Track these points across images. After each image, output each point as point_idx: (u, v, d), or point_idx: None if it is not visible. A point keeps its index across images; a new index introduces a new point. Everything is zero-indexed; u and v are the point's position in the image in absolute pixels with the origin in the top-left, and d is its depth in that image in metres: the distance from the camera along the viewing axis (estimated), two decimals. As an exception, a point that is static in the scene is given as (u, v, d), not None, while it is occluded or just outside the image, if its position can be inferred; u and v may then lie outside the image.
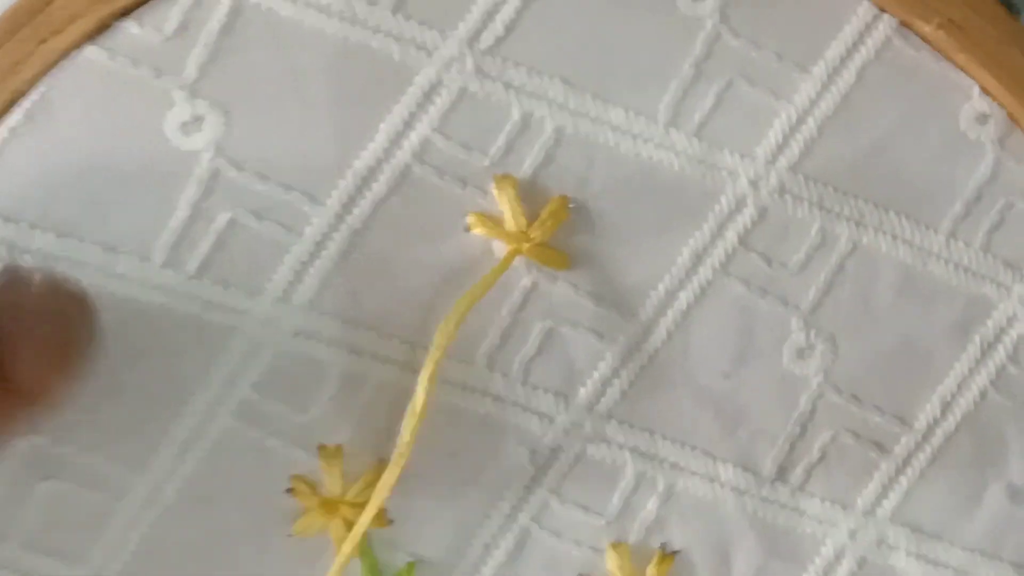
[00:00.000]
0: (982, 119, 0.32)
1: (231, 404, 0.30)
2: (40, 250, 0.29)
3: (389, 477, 0.29)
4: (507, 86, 0.30)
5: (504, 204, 0.30)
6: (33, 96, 0.29)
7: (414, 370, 0.30)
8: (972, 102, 0.32)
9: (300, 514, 0.30)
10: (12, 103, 0.29)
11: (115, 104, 0.30)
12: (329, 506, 0.30)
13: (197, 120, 0.30)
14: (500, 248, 0.31)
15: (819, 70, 0.31)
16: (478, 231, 0.30)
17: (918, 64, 0.31)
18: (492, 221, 0.30)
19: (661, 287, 0.31)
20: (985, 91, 0.32)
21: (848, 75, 0.31)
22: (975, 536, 0.32)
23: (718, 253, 0.31)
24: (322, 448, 0.31)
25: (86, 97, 0.30)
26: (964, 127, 0.32)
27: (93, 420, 0.30)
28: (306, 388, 0.30)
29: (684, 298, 0.31)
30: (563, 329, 0.31)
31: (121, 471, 0.30)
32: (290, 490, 0.30)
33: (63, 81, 0.30)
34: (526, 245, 0.30)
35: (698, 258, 0.31)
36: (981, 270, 0.32)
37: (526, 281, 0.31)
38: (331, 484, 0.31)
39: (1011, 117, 0.32)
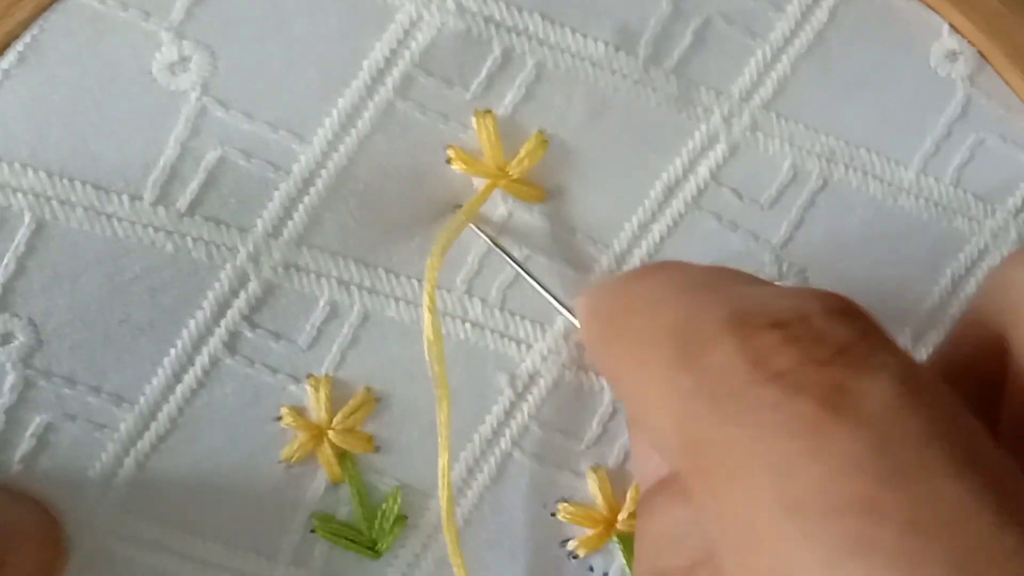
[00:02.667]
0: (952, 56, 0.32)
1: (221, 335, 0.31)
2: (31, 189, 0.30)
3: (443, 414, 0.31)
4: (488, 21, 0.31)
5: (483, 139, 0.31)
6: (25, 38, 0.30)
7: (398, 299, 0.32)
8: (942, 40, 0.32)
9: (289, 441, 0.32)
10: (5, 46, 0.30)
11: (104, 46, 0.30)
12: (317, 433, 0.32)
13: (184, 60, 0.30)
14: (480, 181, 0.31)
15: (793, 8, 0.32)
16: (457, 166, 0.31)
17: (889, 3, 0.32)
18: (471, 156, 0.31)
19: (635, 219, 0.32)
20: (955, 29, 0.32)
21: (821, 14, 0.32)
22: None
23: (690, 187, 0.32)
24: (310, 377, 0.32)
25: (77, 39, 0.30)
26: (934, 64, 0.32)
27: (83, 354, 0.31)
28: (295, 319, 0.31)
29: (657, 231, 0.32)
30: (539, 258, 0.32)
31: (114, 403, 0.31)
32: (279, 418, 0.32)
33: (54, 24, 0.30)
34: (503, 180, 0.31)
35: (671, 192, 0.32)
36: (952, 205, 0.33)
37: (502, 210, 0.32)
38: (318, 412, 0.32)
39: (981, 54, 0.32)
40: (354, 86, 0.31)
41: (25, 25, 0.30)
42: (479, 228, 0.31)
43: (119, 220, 0.31)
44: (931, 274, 0.33)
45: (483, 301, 0.32)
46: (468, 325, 0.32)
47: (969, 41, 0.32)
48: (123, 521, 0.31)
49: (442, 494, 0.31)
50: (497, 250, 0.31)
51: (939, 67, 0.32)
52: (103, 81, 0.30)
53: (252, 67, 0.31)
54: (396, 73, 0.31)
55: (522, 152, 0.31)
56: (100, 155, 0.30)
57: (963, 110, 0.32)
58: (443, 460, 0.31)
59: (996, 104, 0.32)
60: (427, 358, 0.30)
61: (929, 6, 0.32)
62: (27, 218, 0.30)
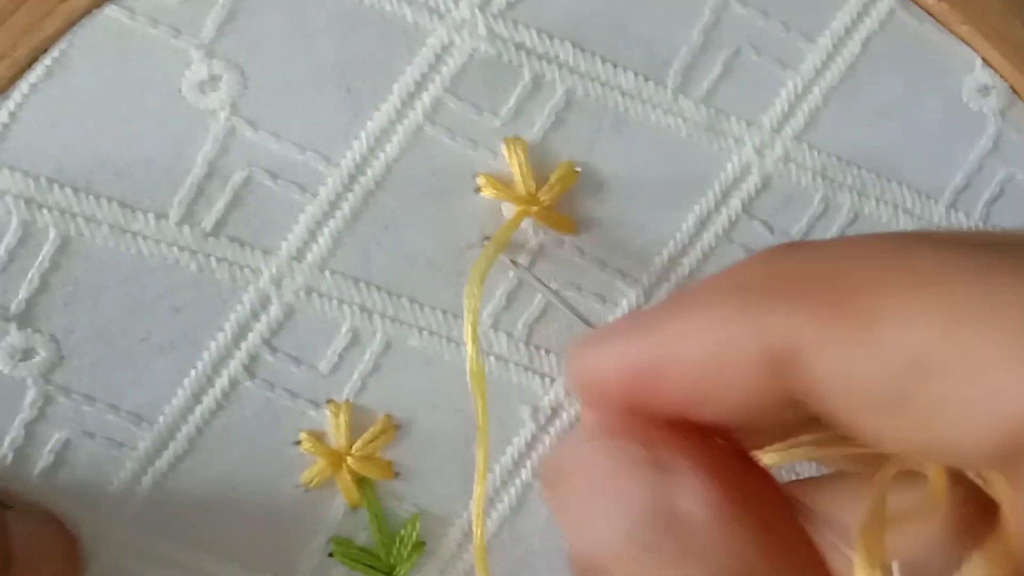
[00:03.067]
0: (984, 91, 0.32)
1: (241, 358, 0.31)
2: (57, 205, 0.30)
3: (481, 446, 0.30)
4: (518, 48, 0.31)
5: (514, 166, 0.31)
6: (53, 53, 0.30)
7: (421, 328, 0.31)
8: (974, 74, 0.32)
9: (307, 464, 0.31)
10: (33, 60, 0.30)
11: (133, 62, 0.30)
12: (335, 458, 0.31)
13: (214, 79, 0.30)
14: (508, 210, 0.31)
15: (825, 40, 0.32)
16: (487, 193, 0.31)
17: (921, 35, 0.32)
18: (501, 183, 0.31)
19: (665, 253, 0.32)
20: (987, 63, 0.32)
21: (853, 45, 0.32)
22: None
23: (722, 220, 0.32)
24: (330, 403, 0.31)
25: (105, 55, 0.30)
26: (966, 98, 0.32)
27: (103, 371, 0.31)
28: (316, 345, 0.31)
29: (687, 264, 0.32)
30: (567, 292, 0.32)
31: (132, 422, 0.31)
32: (298, 442, 0.31)
33: (83, 39, 0.30)
34: (534, 208, 0.31)
35: (702, 224, 0.32)
36: (980, 241, 0.32)
37: (533, 244, 0.31)
38: (337, 437, 0.31)
39: (1013, 89, 0.32)
40: (384, 109, 0.31)
41: (53, 40, 0.30)
42: (510, 257, 0.31)
43: (144, 238, 0.30)
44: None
45: (508, 335, 0.32)
46: (492, 358, 0.32)
47: (1002, 75, 0.32)
48: (139, 538, 0.31)
49: (476, 523, 0.31)
50: (530, 276, 0.31)
51: (971, 101, 0.32)
52: (131, 97, 0.30)
53: (282, 87, 0.30)
54: (426, 97, 0.31)
55: (553, 179, 0.31)
56: (126, 172, 0.30)
57: (994, 144, 0.32)
58: (478, 490, 0.30)
59: (1026, 138, 0.32)
60: (471, 390, 0.30)
61: (962, 39, 0.32)
62: (52, 234, 0.30)
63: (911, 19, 0.32)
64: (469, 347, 0.30)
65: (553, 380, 0.32)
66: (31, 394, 0.30)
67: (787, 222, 0.32)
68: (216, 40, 0.30)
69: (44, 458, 0.31)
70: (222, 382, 0.31)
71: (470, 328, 0.30)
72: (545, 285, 0.31)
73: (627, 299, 0.32)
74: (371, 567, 0.32)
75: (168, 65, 0.30)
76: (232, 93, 0.30)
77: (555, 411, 0.32)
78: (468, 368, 0.30)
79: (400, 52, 0.31)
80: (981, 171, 0.32)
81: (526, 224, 0.31)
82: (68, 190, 0.30)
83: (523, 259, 0.32)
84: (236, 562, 0.31)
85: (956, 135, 0.32)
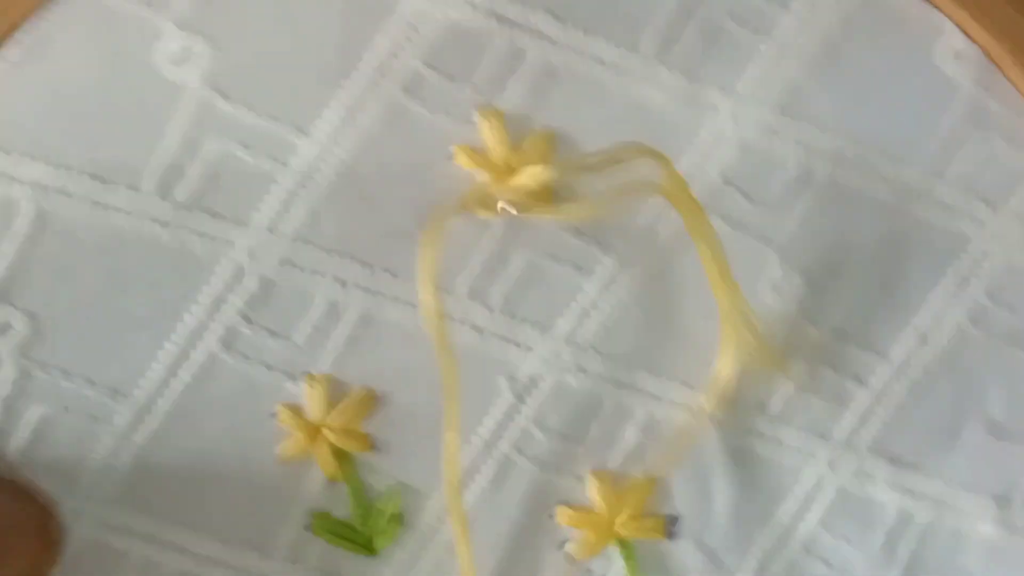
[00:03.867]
0: (959, 57, 0.32)
1: (217, 331, 0.31)
2: (32, 179, 0.30)
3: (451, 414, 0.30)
4: (493, 16, 0.31)
5: (489, 136, 0.31)
6: (29, 29, 0.30)
7: (398, 300, 0.31)
8: (949, 40, 0.32)
9: (285, 438, 0.31)
10: (8, 36, 0.30)
11: (107, 36, 0.30)
12: (312, 431, 0.31)
13: (186, 51, 0.30)
14: (485, 178, 0.31)
15: (799, 6, 0.32)
16: (462, 163, 0.31)
17: (896, 2, 0.32)
18: (477, 153, 0.31)
19: (640, 220, 0.32)
20: (961, 29, 0.32)
21: (828, 13, 0.32)
22: (955, 469, 0.33)
23: (698, 186, 0.32)
24: (307, 375, 0.31)
25: (80, 30, 0.30)
26: (940, 64, 0.32)
27: (80, 346, 0.31)
28: (292, 316, 0.31)
29: (663, 232, 0.32)
30: (543, 262, 0.32)
31: (109, 396, 0.31)
32: (275, 415, 0.31)
33: (58, 15, 0.30)
34: (509, 178, 0.31)
35: (678, 192, 0.32)
36: (957, 206, 0.32)
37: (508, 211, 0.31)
38: (314, 410, 0.31)
39: (987, 55, 0.32)
40: (356, 79, 0.31)
41: (29, 16, 0.30)
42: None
43: (118, 211, 0.30)
44: (934, 275, 0.32)
45: (485, 305, 0.32)
46: (469, 328, 0.32)
47: (975, 41, 0.32)
48: (117, 513, 0.31)
49: (449, 482, 0.31)
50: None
51: (945, 67, 0.32)
52: (105, 71, 0.30)
53: (254, 58, 0.30)
54: (400, 67, 0.31)
55: (528, 147, 0.31)
56: (101, 145, 0.30)
57: (968, 110, 0.32)
58: (449, 451, 0.30)
59: (1001, 105, 0.32)
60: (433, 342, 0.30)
61: (935, 6, 0.32)
62: (27, 208, 0.30)
63: (884, -15, 0.32)
64: (423, 296, 0.30)
65: (531, 350, 0.32)
66: (7, 369, 0.30)
67: (763, 190, 0.32)
68: (188, 13, 0.30)
69: (22, 433, 0.31)
70: (198, 355, 0.31)
71: (427, 279, 0.30)
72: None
73: (603, 266, 0.32)
74: (349, 540, 0.32)
75: (141, 38, 0.30)
76: (205, 65, 0.30)
77: (533, 381, 0.32)
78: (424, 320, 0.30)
79: (371, 20, 0.31)
80: (956, 137, 0.32)
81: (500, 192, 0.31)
82: (43, 164, 0.30)
83: (498, 229, 0.31)
84: (214, 536, 0.31)
85: (931, 101, 0.32)
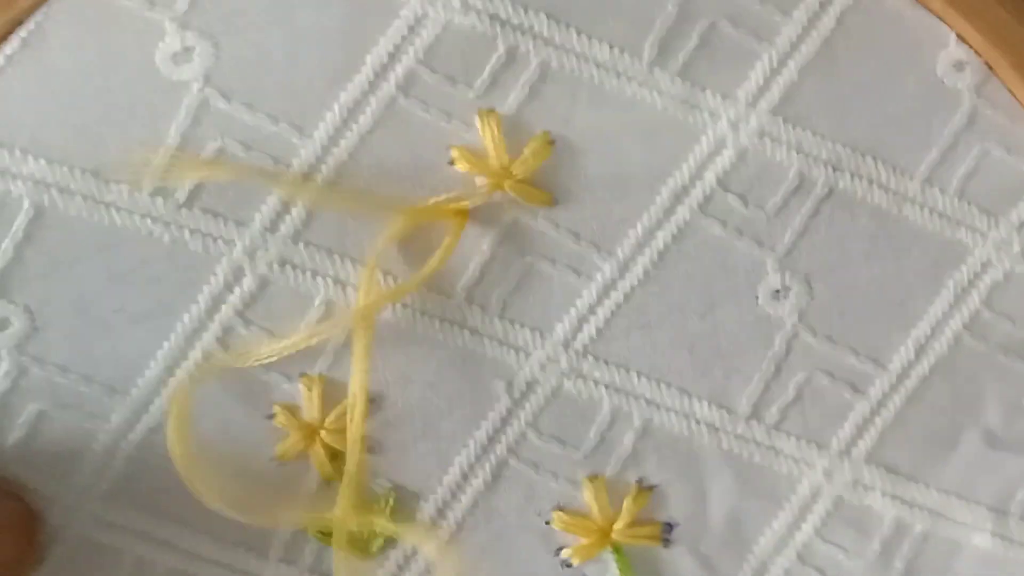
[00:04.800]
0: (959, 66, 0.32)
1: (215, 330, 0.31)
2: (31, 176, 0.30)
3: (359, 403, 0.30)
4: (492, 19, 0.31)
5: (487, 139, 0.31)
6: (29, 25, 0.30)
7: (396, 300, 0.31)
8: (949, 50, 0.32)
9: (281, 439, 0.31)
10: (9, 32, 0.30)
11: (108, 34, 0.30)
12: (309, 432, 0.31)
13: (187, 51, 0.30)
14: (483, 182, 0.31)
15: (800, 14, 0.32)
16: (461, 166, 0.31)
17: (896, 11, 0.32)
18: (475, 156, 0.31)
19: (640, 226, 0.32)
20: (962, 39, 0.32)
21: (828, 20, 0.32)
22: (951, 479, 0.33)
23: (696, 193, 0.32)
24: (304, 376, 0.31)
25: (81, 27, 0.30)
26: (941, 74, 0.32)
27: (77, 343, 0.31)
28: (289, 316, 0.31)
29: (662, 237, 0.32)
30: (542, 265, 0.32)
31: (105, 394, 0.31)
32: (271, 416, 0.31)
33: (59, 11, 0.30)
34: (508, 181, 0.31)
35: (677, 198, 0.32)
36: (956, 216, 0.32)
37: (507, 217, 0.31)
38: (311, 411, 0.31)
39: (987, 65, 0.32)
40: (357, 80, 0.31)
41: (29, 12, 0.30)
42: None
43: (118, 209, 0.30)
44: (933, 285, 0.32)
45: (482, 309, 0.32)
46: (467, 332, 0.32)
47: (976, 51, 0.32)
48: (111, 511, 0.31)
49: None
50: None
51: (946, 77, 0.32)
52: (105, 69, 0.30)
53: (255, 58, 0.31)
54: (399, 69, 0.31)
55: (527, 152, 0.31)
56: (101, 143, 0.30)
57: (969, 120, 0.32)
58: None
59: (1002, 115, 0.32)
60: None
61: (936, 16, 0.32)
62: (26, 204, 0.30)
63: (886, -6, 0.32)
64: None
65: (528, 354, 0.32)
66: (5, 365, 0.30)
67: (762, 196, 0.32)
68: (189, 12, 0.30)
69: (17, 429, 0.31)
70: (195, 354, 0.31)
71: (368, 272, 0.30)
72: None
73: (601, 272, 0.32)
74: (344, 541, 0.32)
75: (142, 37, 0.30)
76: (205, 64, 0.30)
77: (530, 386, 0.32)
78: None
79: (373, 22, 0.31)
80: (956, 147, 0.32)
81: (500, 197, 0.31)
82: (42, 161, 0.30)
83: (497, 232, 0.31)
84: (209, 535, 0.31)
85: (931, 110, 0.32)
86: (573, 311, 0.32)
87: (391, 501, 0.32)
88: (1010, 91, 0.32)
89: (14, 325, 0.30)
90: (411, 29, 0.31)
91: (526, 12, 0.31)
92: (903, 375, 0.32)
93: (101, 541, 0.31)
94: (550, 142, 0.31)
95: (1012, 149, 0.32)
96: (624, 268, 0.32)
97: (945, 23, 0.32)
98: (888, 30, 0.32)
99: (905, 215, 0.32)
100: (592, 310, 0.32)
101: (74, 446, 0.31)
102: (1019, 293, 0.33)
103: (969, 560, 0.33)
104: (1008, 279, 0.32)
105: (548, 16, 0.31)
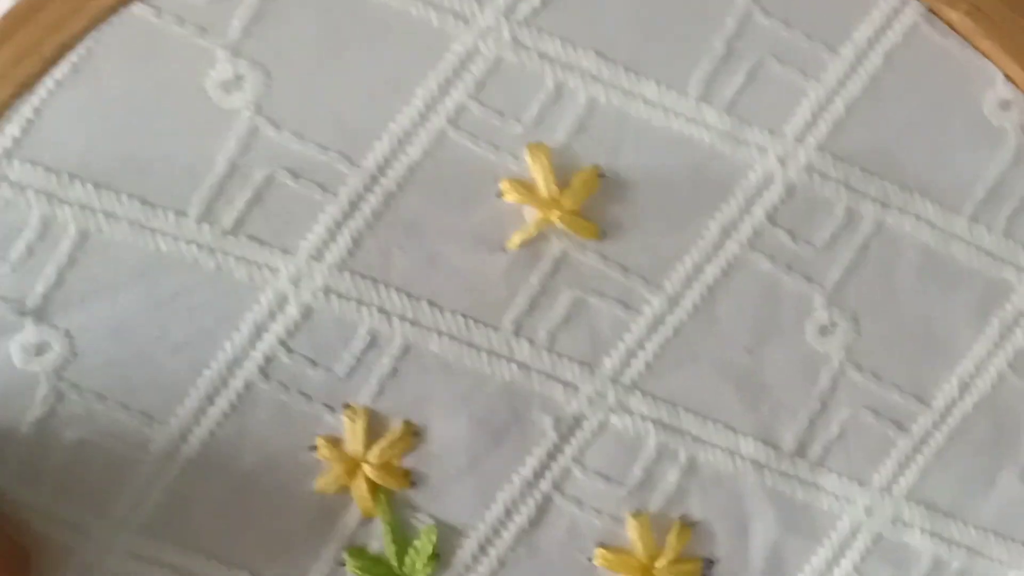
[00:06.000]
0: (1005, 105, 0.32)
1: (256, 359, 0.30)
2: (78, 200, 0.30)
3: None
4: (542, 56, 0.31)
5: (537, 171, 0.31)
6: (79, 50, 0.30)
7: (441, 333, 0.31)
8: (996, 89, 0.32)
9: (323, 472, 0.31)
10: (59, 56, 0.30)
11: (158, 61, 0.30)
12: (352, 466, 0.31)
13: (238, 79, 0.30)
14: (531, 215, 0.31)
15: (847, 51, 0.32)
16: (510, 197, 0.31)
17: (944, 50, 0.32)
18: (524, 187, 0.31)
19: (688, 260, 0.31)
20: (1009, 79, 0.32)
21: (875, 57, 0.32)
22: (989, 516, 0.33)
23: (745, 228, 0.32)
24: (347, 407, 0.31)
25: (131, 53, 0.30)
26: (988, 113, 0.32)
27: (116, 370, 0.30)
28: (333, 346, 0.31)
29: (710, 272, 0.32)
30: (590, 299, 0.31)
31: (144, 423, 0.30)
32: (313, 448, 0.31)
33: (109, 36, 0.30)
34: (557, 212, 0.31)
35: (725, 232, 0.32)
36: (1002, 254, 0.32)
37: (556, 250, 0.31)
38: (354, 443, 0.31)
39: (1033, 105, 0.32)
40: (406, 112, 0.31)
41: (80, 36, 0.30)
42: None
43: (162, 235, 0.30)
44: (978, 323, 0.32)
45: (531, 342, 0.31)
46: (514, 366, 0.31)
47: (1021, 89, 0.32)
48: (148, 545, 0.30)
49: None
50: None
51: (992, 116, 0.32)
52: (155, 95, 0.30)
53: (306, 88, 0.30)
54: (449, 102, 0.31)
55: (575, 182, 0.31)
56: (148, 169, 0.30)
57: (1015, 158, 0.32)
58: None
59: (1047, 154, 0.32)
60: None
61: (985, 55, 0.32)
62: (71, 229, 0.30)
63: (934, 33, 0.32)
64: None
65: (577, 389, 0.31)
66: (43, 390, 0.30)
67: (810, 232, 0.32)
68: (242, 40, 0.30)
69: (54, 458, 0.30)
70: (236, 383, 0.30)
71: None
72: None
73: (650, 306, 0.31)
74: (384, 578, 0.31)
75: (193, 64, 0.30)
76: (256, 93, 0.30)
77: (577, 421, 0.31)
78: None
79: (425, 56, 0.31)
80: (1003, 184, 0.32)
81: (549, 231, 0.31)
82: (89, 185, 0.30)
83: (546, 264, 0.31)
84: (246, 570, 0.31)
85: (978, 149, 0.32)
86: (621, 345, 0.31)
87: (432, 538, 0.31)
88: (1055, 132, 0.32)
89: (54, 350, 0.30)
90: (462, 63, 0.31)
91: (575, 49, 0.31)
92: (946, 412, 0.32)
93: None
94: (599, 175, 0.31)
95: (1056, 189, 0.32)
96: (673, 302, 0.31)
97: (993, 62, 0.32)
98: (935, 68, 0.32)
99: (952, 253, 0.32)
100: (640, 344, 0.31)
101: (111, 476, 0.30)
102: (1061, 332, 0.33)
103: (1006, 597, 0.33)
104: (1051, 318, 0.33)
105: (596, 53, 0.31)
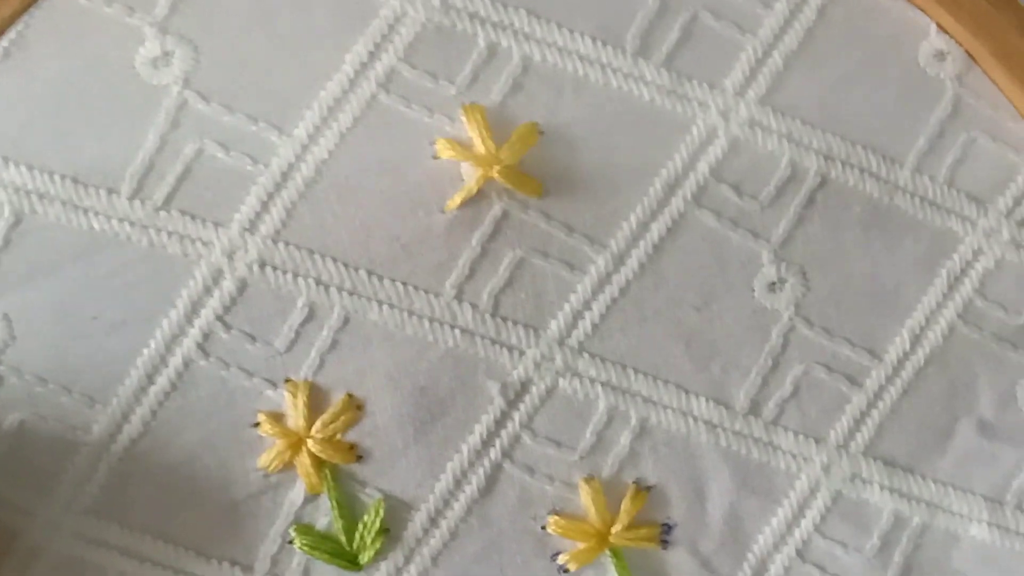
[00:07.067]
0: (940, 56, 0.32)
1: (195, 335, 0.30)
2: (11, 182, 0.29)
3: None
4: (472, 16, 0.31)
5: (473, 129, 0.30)
6: (10, 34, 0.30)
7: (381, 302, 0.30)
8: (930, 39, 0.32)
9: (266, 448, 0.30)
10: (-10, 40, 0.30)
11: (88, 42, 0.30)
12: (295, 441, 0.30)
13: (167, 55, 0.30)
14: (470, 174, 0.31)
15: (781, 5, 0.32)
16: (446, 154, 0.30)
17: (876, 2, 0.32)
18: (460, 146, 0.30)
19: (633, 218, 0.31)
20: (942, 29, 0.32)
21: (809, 11, 0.32)
22: (947, 470, 0.32)
23: (690, 184, 0.31)
24: (288, 382, 0.30)
25: (61, 34, 0.30)
26: (923, 64, 0.32)
27: (55, 352, 0.30)
28: (271, 320, 0.30)
29: (656, 229, 0.31)
30: (534, 259, 0.31)
31: (85, 404, 0.30)
32: (256, 424, 0.30)
33: (40, 20, 0.30)
34: (496, 167, 0.30)
35: (670, 189, 0.31)
36: (946, 204, 0.32)
37: (497, 210, 0.31)
38: (296, 419, 0.30)
39: (968, 54, 0.32)
40: (336, 79, 0.30)
41: (10, 21, 0.30)
42: None
43: (96, 214, 0.30)
44: (926, 274, 0.32)
45: (473, 307, 0.31)
46: (457, 332, 0.31)
47: (957, 41, 0.32)
48: (94, 526, 0.30)
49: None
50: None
51: (928, 66, 0.32)
52: (86, 76, 0.30)
53: (234, 61, 0.30)
54: (379, 67, 0.31)
55: (513, 137, 0.30)
56: (80, 149, 0.30)
57: (953, 109, 0.32)
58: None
59: (985, 103, 0.32)
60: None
61: (916, 6, 0.32)
62: (6, 211, 0.29)
63: (866, -16, 0.32)
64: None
65: (522, 353, 0.31)
66: (-19, 375, 0.29)
67: (755, 187, 0.31)
68: (169, 16, 0.30)
69: (-3, 442, 0.29)
70: (176, 361, 0.30)
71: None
72: None
73: (595, 265, 0.31)
74: (333, 554, 0.30)
75: (122, 43, 0.30)
76: (185, 67, 0.30)
77: (525, 386, 0.31)
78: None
79: (353, 22, 0.30)
80: (943, 135, 0.32)
81: (490, 190, 0.31)
82: (23, 167, 0.29)
83: (487, 226, 0.31)
84: (193, 549, 0.30)
85: (916, 100, 0.32)
86: (567, 306, 0.31)
87: (380, 512, 0.31)
88: (992, 80, 0.32)
89: (-10, 334, 0.29)
90: (391, 27, 0.31)
91: (505, 8, 0.31)
92: (899, 366, 0.32)
93: (84, 557, 0.30)
94: (538, 131, 0.31)
95: (996, 137, 0.32)
96: (619, 261, 0.31)
97: (925, 13, 0.32)
98: (869, 21, 0.32)
99: (897, 204, 0.32)
100: (587, 305, 0.31)
101: (56, 459, 0.30)
102: (1010, 281, 0.32)
103: (967, 551, 0.32)
104: (999, 267, 0.32)
105: (527, 12, 0.31)
